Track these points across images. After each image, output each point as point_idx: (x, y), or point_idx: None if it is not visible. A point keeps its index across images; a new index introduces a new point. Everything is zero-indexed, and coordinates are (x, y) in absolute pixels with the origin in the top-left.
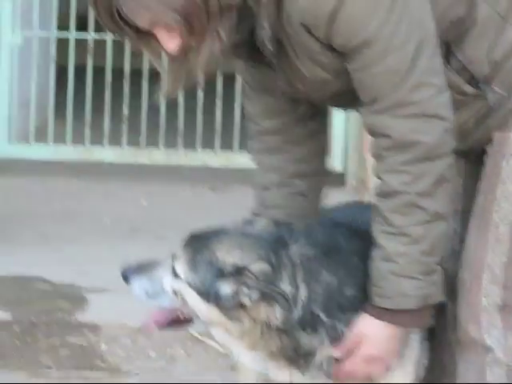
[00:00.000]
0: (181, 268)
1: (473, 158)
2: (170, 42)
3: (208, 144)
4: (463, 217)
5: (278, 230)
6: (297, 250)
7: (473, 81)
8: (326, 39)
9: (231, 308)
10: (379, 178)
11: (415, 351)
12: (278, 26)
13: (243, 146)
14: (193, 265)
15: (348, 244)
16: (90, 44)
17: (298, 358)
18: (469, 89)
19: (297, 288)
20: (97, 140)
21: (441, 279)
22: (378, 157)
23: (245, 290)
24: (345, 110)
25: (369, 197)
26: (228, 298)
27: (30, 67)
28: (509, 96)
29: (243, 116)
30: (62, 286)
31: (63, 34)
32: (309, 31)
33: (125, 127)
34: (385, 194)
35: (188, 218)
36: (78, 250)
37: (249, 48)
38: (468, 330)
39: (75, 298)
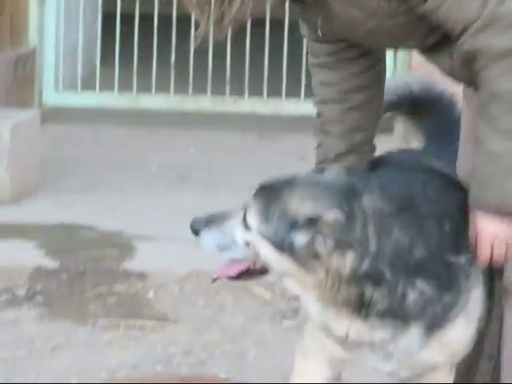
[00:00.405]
0: (253, 219)
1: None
2: None
3: (256, 91)
4: None
5: (350, 179)
6: (370, 201)
7: None
8: None
9: (305, 258)
10: (487, 86)
11: (478, 304)
12: None
13: (291, 93)
14: (265, 216)
15: (424, 198)
16: None
17: (361, 308)
18: None
19: (367, 240)
20: (144, 87)
21: None
22: (482, 69)
23: (320, 239)
24: (393, 49)
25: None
26: (303, 248)
27: (77, 15)
28: None
29: (290, 64)
30: (109, 234)
31: None
32: None
33: (172, 74)
34: (495, 97)
35: (236, 165)
36: (126, 198)
37: None
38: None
39: (123, 246)
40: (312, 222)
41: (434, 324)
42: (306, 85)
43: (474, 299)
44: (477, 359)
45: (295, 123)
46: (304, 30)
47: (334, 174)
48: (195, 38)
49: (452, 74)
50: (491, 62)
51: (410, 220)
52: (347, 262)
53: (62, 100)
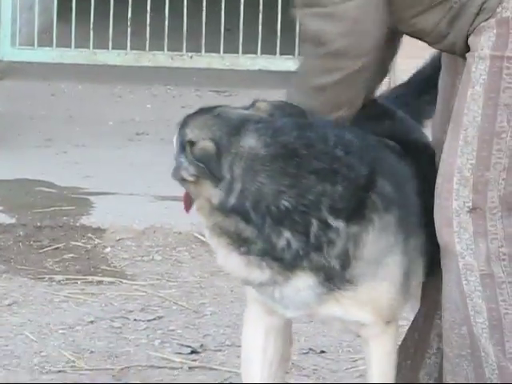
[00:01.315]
0: (174, 148)
1: (457, 56)
2: None
3: (213, 47)
4: None
5: (254, 116)
6: (248, 141)
7: None
8: None
9: (181, 181)
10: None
11: (419, 278)
12: None
13: (248, 49)
14: (175, 142)
15: (324, 155)
16: None
17: (239, 243)
18: None
19: (232, 177)
20: (101, 43)
21: None
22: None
23: (184, 164)
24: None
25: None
26: (174, 171)
27: None
28: None
29: (246, 20)
30: (66, 189)
31: None
32: None
33: (129, 31)
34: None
35: None
36: (83, 154)
37: None
38: (442, 233)
39: (80, 201)
40: (186, 149)
41: (329, 280)
42: (262, 40)
43: (377, 265)
44: (425, 336)
45: (252, 78)
46: None
47: (258, 108)
48: None
49: (436, 35)
50: None
51: (285, 170)
52: (210, 192)
53: (19, 55)
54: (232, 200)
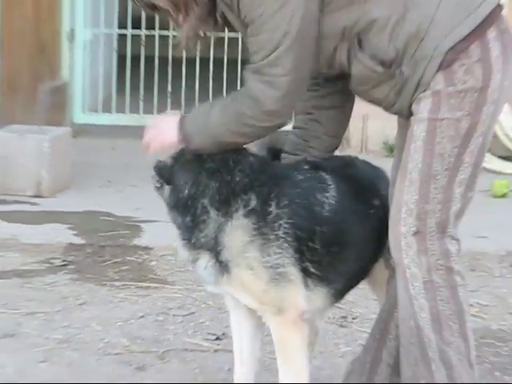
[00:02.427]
0: None
1: (405, 118)
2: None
3: None
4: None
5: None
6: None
7: (384, 63)
8: (237, 9)
9: (155, 189)
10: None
11: (297, 279)
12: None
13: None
14: None
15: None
16: (143, 38)
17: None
18: (379, 69)
19: (175, 182)
20: (148, 110)
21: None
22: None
23: (153, 176)
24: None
25: (350, 152)
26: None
27: (98, 56)
28: (414, 74)
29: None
30: (122, 218)
31: (122, 31)
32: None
33: (169, 100)
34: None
35: None
36: (135, 192)
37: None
38: (394, 251)
39: (132, 227)
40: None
41: (219, 263)
42: None
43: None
44: (387, 325)
45: None
46: None
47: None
48: (174, 46)
49: (387, 104)
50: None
51: (193, 171)
52: (165, 194)
53: (88, 119)
54: (171, 197)
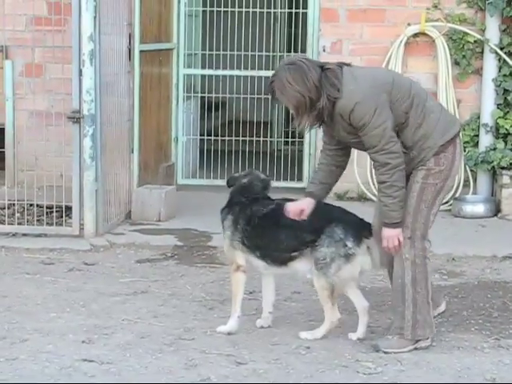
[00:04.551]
0: None
1: (408, 176)
2: (292, 111)
3: None
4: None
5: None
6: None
7: (405, 147)
8: (348, 120)
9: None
10: (377, 173)
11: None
12: (330, 110)
13: None
14: None
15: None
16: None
17: None
18: (404, 150)
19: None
20: (218, 176)
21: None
22: (376, 167)
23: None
24: (360, 149)
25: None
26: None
27: (189, 150)
28: (419, 156)
29: None
30: (202, 231)
31: (203, 137)
32: (341, 116)
33: None
34: (376, 174)
35: None
36: (209, 219)
37: (321, 118)
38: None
39: (207, 236)
40: None
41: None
42: None
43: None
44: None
45: None
46: (323, 127)
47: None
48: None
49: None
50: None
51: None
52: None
53: (184, 182)
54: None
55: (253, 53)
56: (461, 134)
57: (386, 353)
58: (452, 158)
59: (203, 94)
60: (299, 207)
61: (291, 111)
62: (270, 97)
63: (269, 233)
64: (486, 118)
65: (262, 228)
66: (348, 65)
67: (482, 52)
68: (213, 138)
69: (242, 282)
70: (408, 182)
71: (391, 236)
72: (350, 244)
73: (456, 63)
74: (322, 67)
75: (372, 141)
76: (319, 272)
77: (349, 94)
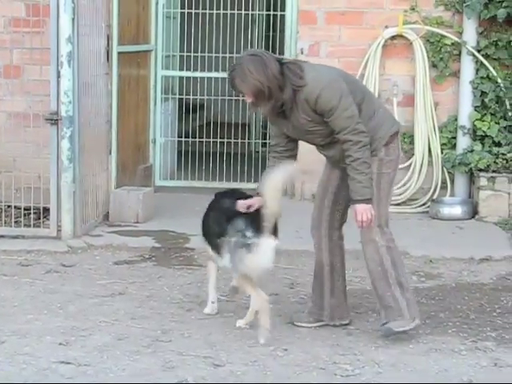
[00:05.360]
0: None
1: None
2: (249, 100)
3: None
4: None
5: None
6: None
7: None
8: (314, 107)
9: None
10: (350, 152)
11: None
12: (293, 100)
13: None
14: None
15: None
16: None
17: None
18: None
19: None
20: (196, 177)
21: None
22: (348, 148)
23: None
24: (311, 140)
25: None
26: None
27: (167, 149)
28: (371, 145)
29: None
30: (180, 233)
31: (181, 139)
32: (307, 102)
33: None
34: (347, 154)
35: None
36: (187, 221)
37: (279, 109)
38: (368, 235)
39: (185, 238)
40: None
41: None
42: None
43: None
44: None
45: None
46: (273, 128)
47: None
48: (250, 109)
49: (339, 155)
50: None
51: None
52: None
53: (162, 183)
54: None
55: (231, 55)
56: (416, 139)
57: (397, 332)
58: (398, 152)
59: (181, 96)
60: (247, 203)
61: (248, 100)
62: (229, 85)
63: (207, 220)
64: (464, 120)
65: (205, 216)
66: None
67: (460, 54)
68: (191, 139)
69: (212, 270)
70: None
71: (365, 209)
72: (249, 234)
73: (433, 65)
74: (280, 61)
75: (343, 123)
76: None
77: (313, 81)
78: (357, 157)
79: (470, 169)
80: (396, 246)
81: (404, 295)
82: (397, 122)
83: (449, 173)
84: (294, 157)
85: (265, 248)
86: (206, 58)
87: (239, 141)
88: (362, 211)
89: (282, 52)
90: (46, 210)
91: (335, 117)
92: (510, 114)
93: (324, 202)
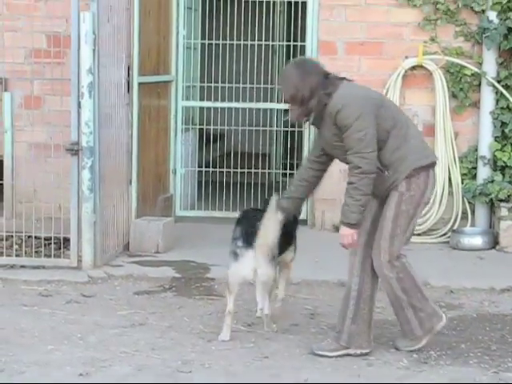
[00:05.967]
0: None
1: (382, 198)
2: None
3: None
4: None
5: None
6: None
7: (382, 165)
8: (335, 121)
9: None
10: (349, 173)
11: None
12: (321, 113)
13: None
14: None
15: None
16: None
17: None
18: (380, 167)
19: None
20: (216, 207)
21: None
22: (349, 169)
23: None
24: (339, 155)
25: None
26: None
27: (188, 182)
28: (393, 176)
29: None
30: (201, 263)
31: (201, 169)
32: (330, 116)
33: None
34: (350, 180)
35: None
36: (208, 251)
37: (309, 116)
38: (378, 270)
39: (206, 268)
40: None
41: None
42: None
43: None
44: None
45: None
46: (315, 136)
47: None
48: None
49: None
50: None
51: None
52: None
53: (183, 213)
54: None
55: (251, 85)
56: (436, 170)
57: (411, 351)
58: (424, 187)
59: (201, 126)
60: None
61: (287, 101)
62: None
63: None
64: (484, 150)
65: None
66: (350, 80)
67: (480, 85)
68: (211, 169)
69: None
70: (384, 205)
71: (346, 235)
72: (239, 243)
73: (453, 96)
74: (326, 75)
75: (351, 143)
76: None
77: (338, 97)
78: (351, 181)
79: (491, 199)
80: (408, 271)
81: (417, 315)
82: (430, 156)
83: (469, 203)
84: (320, 171)
85: (246, 259)
86: (227, 88)
87: (259, 171)
88: (344, 235)
89: None
90: (67, 240)
91: (347, 135)
92: None
93: (362, 229)
